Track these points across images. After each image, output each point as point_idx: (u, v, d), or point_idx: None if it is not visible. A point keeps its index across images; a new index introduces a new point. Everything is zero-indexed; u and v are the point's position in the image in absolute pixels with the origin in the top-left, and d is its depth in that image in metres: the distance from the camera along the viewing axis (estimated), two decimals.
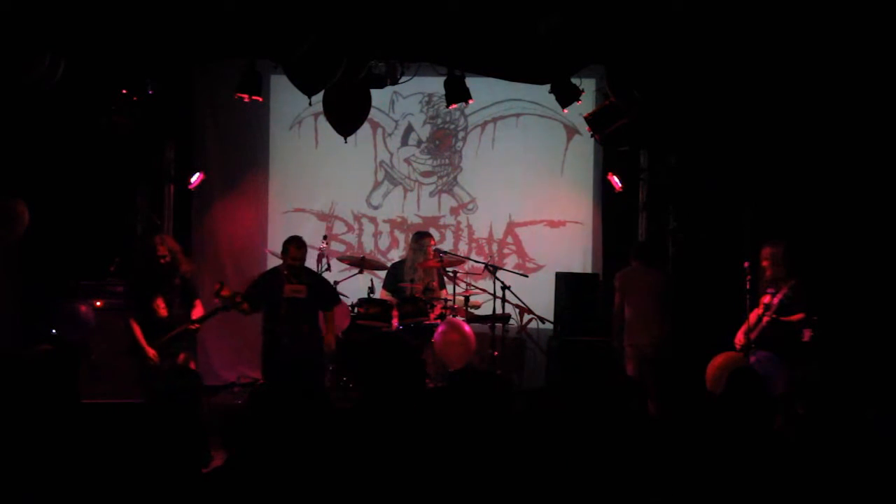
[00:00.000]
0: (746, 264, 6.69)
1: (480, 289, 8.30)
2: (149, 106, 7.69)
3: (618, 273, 7.57)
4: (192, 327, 6.72)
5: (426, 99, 9.26)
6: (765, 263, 6.68)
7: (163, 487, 3.71)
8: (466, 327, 7.70)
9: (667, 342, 7.25)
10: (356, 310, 7.93)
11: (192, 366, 6.82)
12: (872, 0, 6.86)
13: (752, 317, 6.71)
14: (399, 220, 9.36)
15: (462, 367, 7.86)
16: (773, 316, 6.48)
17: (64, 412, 4.25)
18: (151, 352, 6.56)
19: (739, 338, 6.74)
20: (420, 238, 8.22)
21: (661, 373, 7.09)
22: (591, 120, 7.79)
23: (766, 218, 7.91)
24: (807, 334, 6.48)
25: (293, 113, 9.19)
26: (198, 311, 6.80)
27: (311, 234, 9.09)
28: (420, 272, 8.10)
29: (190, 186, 8.56)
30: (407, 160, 9.38)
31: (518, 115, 9.28)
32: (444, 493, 3.53)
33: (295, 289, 7.08)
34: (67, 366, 4.68)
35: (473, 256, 8.94)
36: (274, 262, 8.71)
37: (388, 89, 8.37)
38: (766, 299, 6.62)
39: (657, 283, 7.36)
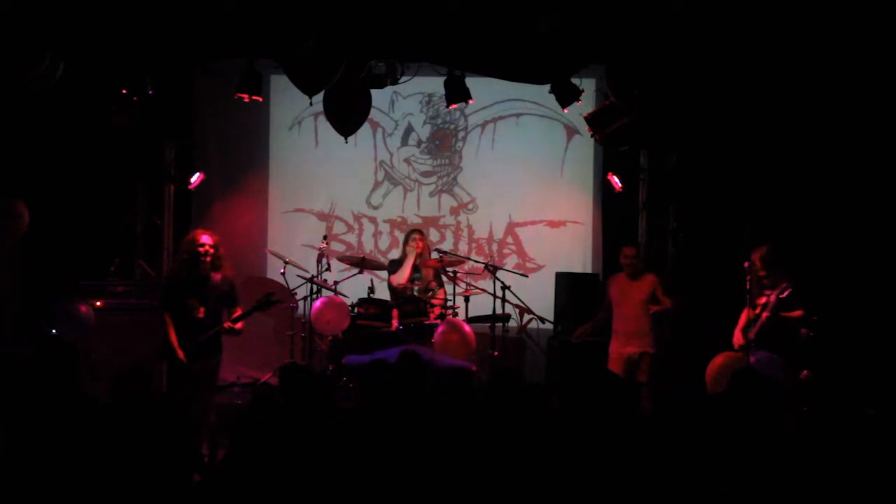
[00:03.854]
0: (746, 264, 6.69)
1: (480, 289, 8.30)
2: (149, 106, 7.68)
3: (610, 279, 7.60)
4: (227, 326, 6.34)
5: (426, 99, 9.26)
6: (757, 265, 6.72)
7: (162, 487, 3.72)
8: (466, 327, 7.70)
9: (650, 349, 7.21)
10: (356, 310, 7.93)
11: (216, 369, 6.65)
12: (872, 0, 6.86)
13: (744, 317, 6.76)
14: (399, 220, 9.36)
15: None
16: (773, 312, 6.49)
17: (62, 410, 4.26)
18: (181, 353, 6.22)
19: (738, 337, 6.75)
20: (406, 237, 8.23)
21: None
22: (591, 120, 7.78)
23: (766, 218, 7.91)
24: (803, 333, 6.49)
25: (293, 113, 9.20)
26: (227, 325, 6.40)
27: (311, 234, 9.13)
28: (421, 272, 8.11)
29: (190, 186, 8.55)
30: (407, 160, 9.38)
31: (518, 115, 9.28)
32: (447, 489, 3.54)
33: None
34: (65, 364, 4.69)
35: (473, 256, 8.94)
36: (274, 262, 8.73)
37: (388, 89, 8.37)
38: (763, 300, 6.64)
39: (642, 291, 7.27)
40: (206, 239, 6.33)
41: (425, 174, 9.40)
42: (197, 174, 8.52)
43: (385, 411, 4.23)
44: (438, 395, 5.69)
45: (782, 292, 6.47)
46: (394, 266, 8.26)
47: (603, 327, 7.44)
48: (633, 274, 7.26)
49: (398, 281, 8.07)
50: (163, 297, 6.46)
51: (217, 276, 6.38)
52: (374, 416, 4.19)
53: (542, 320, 8.24)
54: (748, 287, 6.67)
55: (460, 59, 7.42)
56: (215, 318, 6.37)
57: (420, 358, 5.12)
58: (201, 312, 6.34)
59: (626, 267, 7.29)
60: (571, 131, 9.20)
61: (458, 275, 8.35)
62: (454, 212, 9.38)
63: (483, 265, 8.21)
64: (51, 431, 4.01)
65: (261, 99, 7.64)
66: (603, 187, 9.02)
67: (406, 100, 9.26)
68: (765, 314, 6.53)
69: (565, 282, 8.52)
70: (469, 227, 9.36)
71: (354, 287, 8.29)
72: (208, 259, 6.31)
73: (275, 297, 6.54)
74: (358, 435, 3.95)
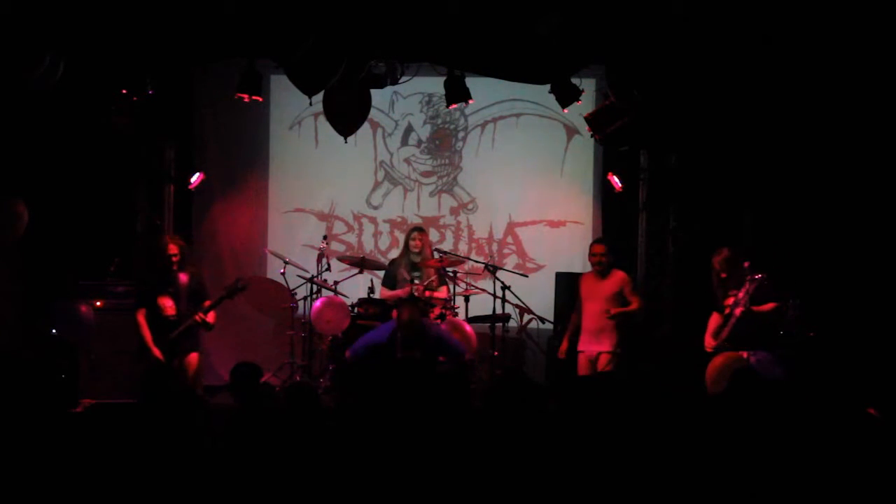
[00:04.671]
0: (746, 264, 6.69)
1: (480, 289, 8.30)
2: (149, 106, 7.69)
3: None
4: (198, 318, 6.68)
5: (426, 99, 9.26)
6: (717, 268, 6.77)
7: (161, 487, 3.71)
8: (467, 327, 7.71)
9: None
10: (356, 310, 7.93)
11: (194, 363, 6.85)
12: (873, 0, 6.87)
13: (713, 320, 6.81)
14: (399, 220, 9.35)
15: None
16: (746, 306, 6.51)
17: (59, 411, 4.26)
18: (156, 351, 6.57)
19: (708, 341, 6.77)
20: (407, 236, 8.22)
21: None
22: (591, 120, 7.78)
23: (765, 217, 7.90)
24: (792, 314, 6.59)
25: (293, 113, 9.19)
26: (210, 313, 6.83)
27: (311, 234, 9.13)
28: (422, 270, 8.10)
29: (190, 186, 8.56)
30: (407, 160, 9.38)
31: (518, 115, 9.28)
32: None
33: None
34: (65, 364, 4.72)
35: (473, 256, 8.93)
36: (274, 261, 8.74)
37: (388, 89, 8.37)
38: (730, 301, 6.68)
39: (609, 289, 7.19)
40: (173, 249, 6.81)
41: (425, 174, 9.40)
42: (197, 174, 8.53)
43: (382, 411, 4.24)
44: (431, 361, 5.81)
45: (754, 281, 6.48)
46: (392, 266, 8.24)
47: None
48: (601, 272, 7.19)
49: (385, 295, 8.06)
50: (136, 300, 6.94)
51: (184, 276, 6.81)
52: (370, 417, 4.20)
53: (542, 320, 8.24)
54: (747, 287, 6.66)
55: (460, 59, 7.42)
56: (184, 317, 6.73)
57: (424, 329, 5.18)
58: (173, 310, 6.72)
59: (595, 265, 7.22)
60: (571, 131, 9.20)
61: (458, 275, 8.35)
62: (454, 212, 9.38)
63: (483, 265, 8.20)
64: (51, 432, 4.01)
65: (261, 99, 7.65)
66: (603, 187, 9.01)
67: (406, 100, 9.26)
68: (738, 310, 6.54)
69: (565, 282, 8.51)
70: (469, 227, 9.36)
71: (354, 287, 8.30)
72: (175, 268, 6.79)
73: (241, 283, 6.94)
74: (355, 436, 3.95)
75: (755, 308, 6.52)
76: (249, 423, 4.33)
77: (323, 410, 4.42)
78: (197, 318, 6.67)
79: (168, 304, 6.74)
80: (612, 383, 4.59)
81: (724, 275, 6.74)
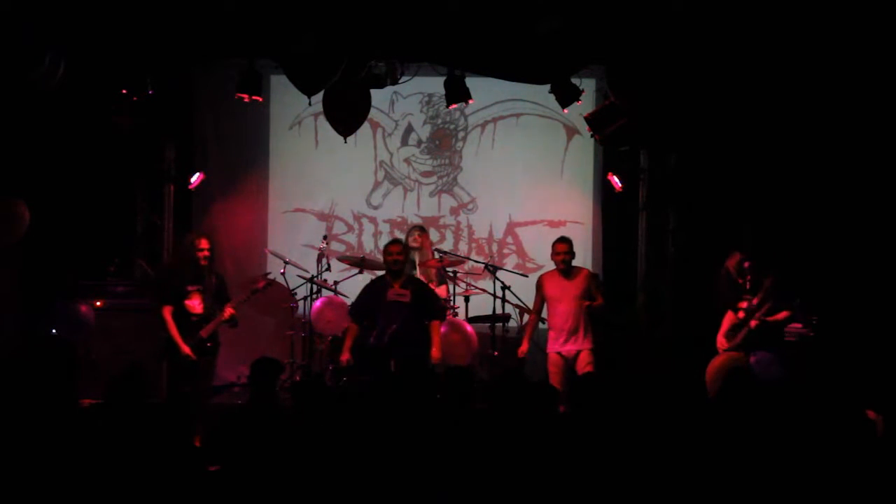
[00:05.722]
0: (747, 265, 6.70)
1: (480, 289, 8.30)
2: (149, 106, 7.70)
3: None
4: (228, 315, 6.66)
5: (426, 99, 9.26)
6: (733, 272, 6.79)
7: (163, 487, 3.72)
8: (468, 328, 7.71)
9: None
10: None
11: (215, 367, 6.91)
12: (873, 1, 6.87)
13: (726, 321, 6.79)
14: (399, 220, 9.36)
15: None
16: (761, 319, 6.53)
17: (61, 412, 4.27)
18: (186, 348, 6.52)
19: (721, 342, 6.77)
20: (407, 234, 8.22)
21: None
22: (591, 120, 7.78)
23: (766, 218, 7.90)
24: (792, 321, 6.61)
25: (293, 113, 9.19)
26: (229, 312, 6.77)
27: (311, 234, 9.13)
28: (420, 272, 8.10)
29: (190, 186, 8.57)
30: (407, 160, 9.38)
31: (518, 115, 9.28)
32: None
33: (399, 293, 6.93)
34: (64, 365, 4.72)
35: (473, 256, 8.94)
36: (274, 261, 8.74)
37: (388, 89, 8.36)
38: (744, 304, 6.67)
39: (578, 287, 7.13)
40: (205, 244, 6.69)
41: (425, 174, 9.40)
42: (197, 174, 8.54)
43: (390, 414, 4.24)
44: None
45: (768, 291, 6.49)
46: None
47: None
48: (566, 271, 7.13)
49: None
50: (160, 295, 6.79)
51: (211, 277, 6.75)
52: (374, 418, 4.20)
53: (542, 320, 8.23)
54: (748, 287, 6.67)
55: (460, 59, 7.42)
56: (212, 315, 6.67)
57: None
58: (201, 308, 6.65)
59: (560, 263, 7.14)
60: (571, 131, 9.20)
61: (458, 275, 8.35)
62: (454, 212, 9.38)
63: (483, 265, 8.20)
64: (49, 432, 4.01)
65: (261, 99, 7.65)
66: (603, 187, 9.01)
67: (406, 100, 9.26)
68: (752, 322, 6.57)
69: None
70: (469, 227, 9.36)
71: (354, 287, 8.28)
72: (205, 263, 6.68)
73: (268, 279, 7.02)
74: (358, 435, 3.95)
75: (769, 319, 6.55)
76: (262, 419, 4.35)
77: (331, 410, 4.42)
78: (227, 312, 6.64)
79: (196, 303, 6.64)
80: (614, 384, 4.58)
81: (740, 280, 6.72)
